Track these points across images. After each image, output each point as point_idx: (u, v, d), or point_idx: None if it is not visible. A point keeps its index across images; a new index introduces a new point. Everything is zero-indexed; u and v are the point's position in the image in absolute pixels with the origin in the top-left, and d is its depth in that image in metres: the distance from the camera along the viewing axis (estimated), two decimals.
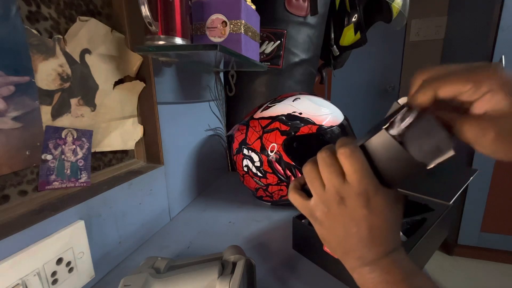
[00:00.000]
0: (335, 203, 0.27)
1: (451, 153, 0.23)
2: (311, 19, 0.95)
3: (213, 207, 0.76)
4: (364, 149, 0.26)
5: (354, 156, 0.26)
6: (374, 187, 0.26)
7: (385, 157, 0.26)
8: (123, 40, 0.54)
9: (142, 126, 0.61)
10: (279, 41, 0.95)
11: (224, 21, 0.56)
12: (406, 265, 0.27)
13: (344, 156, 0.26)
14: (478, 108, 0.21)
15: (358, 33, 1.04)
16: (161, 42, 0.49)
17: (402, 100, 0.26)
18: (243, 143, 0.69)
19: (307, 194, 0.30)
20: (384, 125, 0.25)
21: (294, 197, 0.31)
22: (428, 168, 0.25)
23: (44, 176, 0.42)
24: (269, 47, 0.96)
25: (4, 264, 0.32)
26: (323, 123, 0.63)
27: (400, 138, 0.25)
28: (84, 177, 0.47)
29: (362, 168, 0.26)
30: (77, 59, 0.46)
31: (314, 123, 0.63)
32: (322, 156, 0.28)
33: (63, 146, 0.44)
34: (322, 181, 0.28)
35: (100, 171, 0.54)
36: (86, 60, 0.47)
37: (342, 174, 0.27)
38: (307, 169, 0.29)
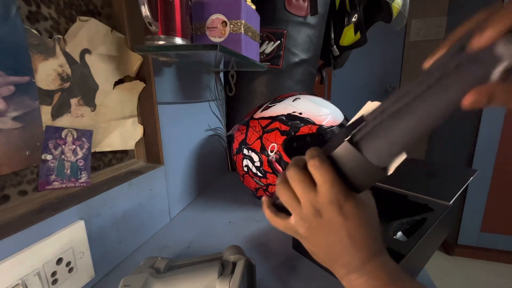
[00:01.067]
0: (313, 216, 0.28)
1: (404, 156, 0.26)
2: (311, 19, 0.95)
3: (213, 207, 0.76)
4: (332, 158, 0.28)
5: (323, 167, 0.27)
6: (343, 194, 0.27)
7: (350, 165, 0.27)
8: (123, 40, 0.54)
9: (142, 126, 0.61)
10: (279, 41, 0.95)
11: (224, 21, 0.56)
12: (391, 268, 0.27)
13: (314, 167, 0.27)
14: None
15: (358, 33, 1.04)
16: (161, 42, 0.49)
17: (373, 105, 0.27)
18: (243, 143, 0.69)
19: (283, 210, 0.31)
20: (346, 136, 0.27)
21: (275, 222, 0.32)
22: (389, 174, 0.27)
23: (44, 176, 0.42)
24: (269, 47, 0.96)
25: (4, 264, 0.32)
26: (323, 123, 0.63)
27: (361, 147, 0.27)
28: (84, 177, 0.47)
29: (331, 178, 0.27)
30: (77, 59, 0.46)
31: (314, 123, 0.63)
32: (291, 174, 0.29)
33: (63, 146, 0.44)
34: (297, 198, 0.29)
35: (100, 171, 0.54)
36: (86, 60, 0.47)
37: (314, 187, 0.28)
38: (280, 189, 0.30)
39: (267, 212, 0.33)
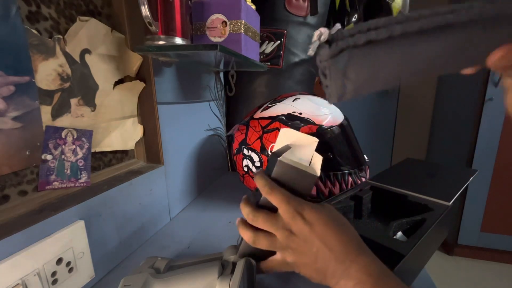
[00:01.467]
0: (289, 238, 0.31)
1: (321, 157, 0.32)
2: (311, 19, 0.95)
3: (213, 207, 0.76)
4: (276, 179, 0.32)
5: (274, 191, 0.31)
6: (299, 204, 0.30)
7: (291, 178, 0.32)
8: (123, 40, 0.54)
9: (142, 126, 0.61)
10: (279, 41, 0.95)
11: (224, 21, 0.56)
12: (375, 269, 0.28)
13: (268, 194, 0.31)
14: None
15: None
16: (161, 42, 0.49)
17: (289, 131, 0.34)
18: (243, 143, 0.69)
19: (270, 254, 0.35)
20: (278, 156, 0.31)
21: (271, 268, 0.35)
22: (318, 176, 0.31)
23: (44, 176, 0.42)
24: (269, 47, 0.96)
25: (4, 264, 0.32)
26: (323, 123, 0.63)
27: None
28: (84, 177, 0.47)
29: (284, 196, 0.30)
30: (77, 59, 0.46)
31: (314, 123, 0.63)
32: (253, 221, 0.32)
33: (63, 146, 0.44)
34: (272, 237, 0.32)
35: (100, 171, 0.54)
36: (86, 60, 0.47)
37: (276, 215, 0.31)
38: (255, 240, 0.33)
39: (268, 267, 0.35)
